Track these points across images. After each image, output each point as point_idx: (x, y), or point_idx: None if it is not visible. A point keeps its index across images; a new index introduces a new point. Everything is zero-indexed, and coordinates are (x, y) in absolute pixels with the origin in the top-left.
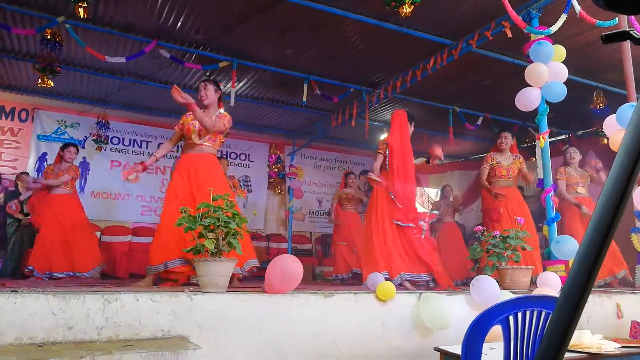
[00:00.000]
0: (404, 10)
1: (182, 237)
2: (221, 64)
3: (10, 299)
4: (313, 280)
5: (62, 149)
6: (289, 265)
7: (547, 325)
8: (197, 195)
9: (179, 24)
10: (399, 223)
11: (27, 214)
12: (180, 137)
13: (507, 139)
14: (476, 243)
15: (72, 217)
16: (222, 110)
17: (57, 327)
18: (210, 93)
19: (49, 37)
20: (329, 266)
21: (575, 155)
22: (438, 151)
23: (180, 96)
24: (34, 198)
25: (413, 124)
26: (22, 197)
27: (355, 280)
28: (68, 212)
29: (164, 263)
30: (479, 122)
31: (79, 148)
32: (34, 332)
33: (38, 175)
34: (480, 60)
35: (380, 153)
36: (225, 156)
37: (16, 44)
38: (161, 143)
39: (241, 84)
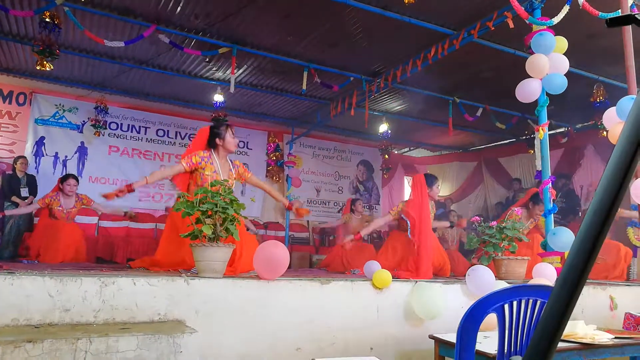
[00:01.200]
0: None
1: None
2: (221, 50)
3: (7, 280)
4: (310, 268)
5: (61, 181)
6: (273, 252)
7: (542, 311)
8: None
9: (179, 8)
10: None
11: (24, 198)
12: (184, 174)
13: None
14: (472, 233)
15: (74, 250)
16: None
17: (53, 309)
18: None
19: (47, 20)
20: (326, 255)
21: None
22: (464, 223)
23: (117, 195)
24: (40, 221)
25: (437, 184)
26: (8, 212)
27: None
28: (68, 238)
29: None
30: (479, 113)
31: (77, 179)
32: (30, 314)
33: (36, 159)
34: (481, 51)
35: (390, 214)
36: None
37: (14, 26)
38: (159, 129)
39: (241, 70)
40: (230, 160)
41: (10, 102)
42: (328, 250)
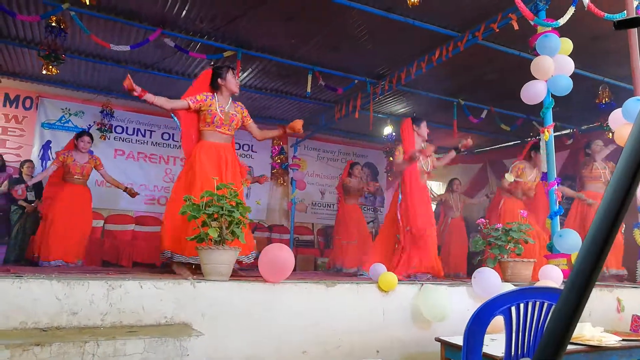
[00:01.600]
0: None
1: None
2: (226, 54)
3: (15, 284)
4: (315, 270)
5: (76, 137)
6: (278, 255)
7: (551, 314)
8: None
9: (184, 12)
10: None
11: (31, 201)
12: (190, 114)
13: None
14: (478, 235)
15: (82, 208)
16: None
17: (61, 312)
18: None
19: (53, 24)
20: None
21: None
22: (469, 142)
23: (133, 85)
24: (50, 186)
25: (423, 123)
26: (29, 182)
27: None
28: (80, 202)
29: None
30: (484, 115)
31: (92, 137)
32: (38, 317)
33: (42, 162)
34: (485, 53)
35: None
36: None
37: (21, 31)
38: (165, 133)
39: (245, 74)
40: (234, 101)
41: (16, 107)
42: (332, 252)
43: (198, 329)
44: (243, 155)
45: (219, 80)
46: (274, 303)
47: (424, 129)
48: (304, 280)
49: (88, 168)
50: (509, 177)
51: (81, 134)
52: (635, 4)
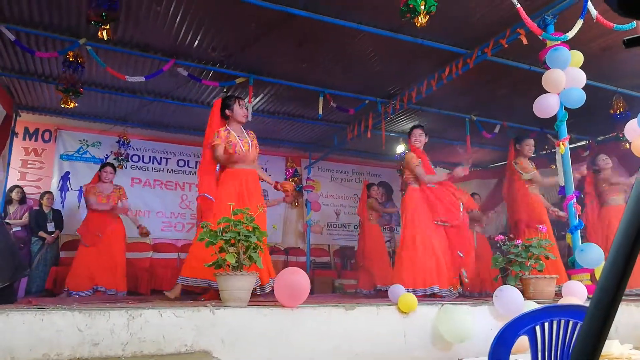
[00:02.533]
0: (420, 20)
1: None
2: (238, 80)
3: (37, 316)
4: (333, 292)
5: (100, 169)
6: (293, 280)
7: (578, 334)
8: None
9: (196, 42)
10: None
11: (51, 232)
12: (210, 150)
13: (532, 146)
14: (498, 253)
15: (119, 238)
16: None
17: (83, 343)
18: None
19: (71, 59)
20: (349, 279)
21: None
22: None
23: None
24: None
25: (419, 132)
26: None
27: (378, 297)
28: (118, 233)
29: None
30: (497, 130)
31: (115, 168)
32: (60, 349)
33: (62, 194)
34: (496, 69)
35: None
36: None
37: (39, 67)
38: (180, 160)
39: (258, 99)
40: (246, 131)
41: (36, 140)
42: (351, 274)
43: (218, 356)
44: None
45: (227, 111)
46: (293, 328)
47: (419, 138)
48: (322, 304)
49: (114, 197)
50: (527, 177)
51: (103, 165)
52: None
